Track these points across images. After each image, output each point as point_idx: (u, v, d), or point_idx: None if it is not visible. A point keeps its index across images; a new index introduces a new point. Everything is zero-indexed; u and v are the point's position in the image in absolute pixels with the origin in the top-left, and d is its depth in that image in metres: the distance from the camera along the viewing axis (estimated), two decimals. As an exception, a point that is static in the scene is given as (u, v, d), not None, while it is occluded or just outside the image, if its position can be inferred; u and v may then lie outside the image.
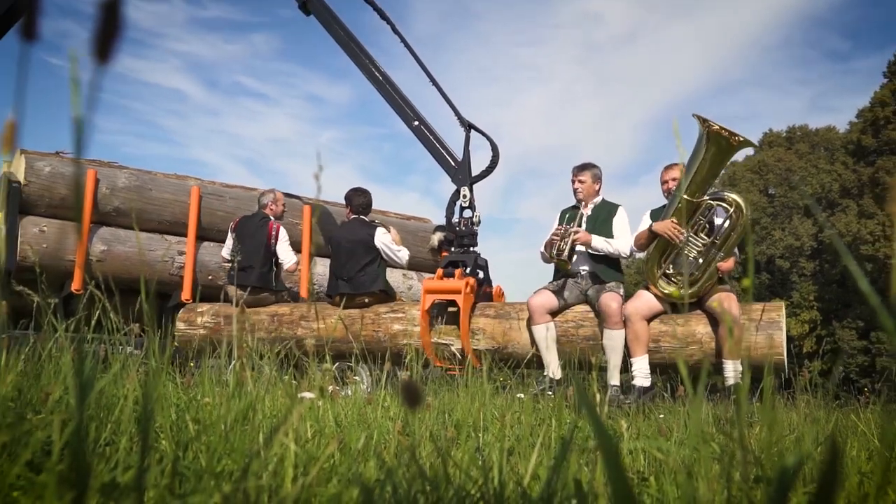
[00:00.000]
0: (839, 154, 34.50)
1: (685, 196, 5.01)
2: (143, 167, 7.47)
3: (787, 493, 0.63)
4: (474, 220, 6.49)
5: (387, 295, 6.29)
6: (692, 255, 5.09)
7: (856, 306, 30.95)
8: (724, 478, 1.35)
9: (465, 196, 6.52)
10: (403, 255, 6.44)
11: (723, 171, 4.66)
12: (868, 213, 30.60)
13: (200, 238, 7.28)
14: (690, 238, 5.06)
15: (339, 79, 78.87)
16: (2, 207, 6.38)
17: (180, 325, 6.72)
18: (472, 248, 6.40)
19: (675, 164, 5.79)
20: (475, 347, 5.74)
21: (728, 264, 5.14)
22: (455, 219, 6.55)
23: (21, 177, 6.55)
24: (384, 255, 6.33)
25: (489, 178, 6.68)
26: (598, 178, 5.82)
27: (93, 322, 2.49)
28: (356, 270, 6.24)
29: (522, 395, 3.26)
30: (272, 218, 6.78)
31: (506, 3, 76.99)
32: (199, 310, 6.77)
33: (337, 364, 6.49)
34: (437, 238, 6.88)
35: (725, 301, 5.00)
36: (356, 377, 4.61)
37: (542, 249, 5.65)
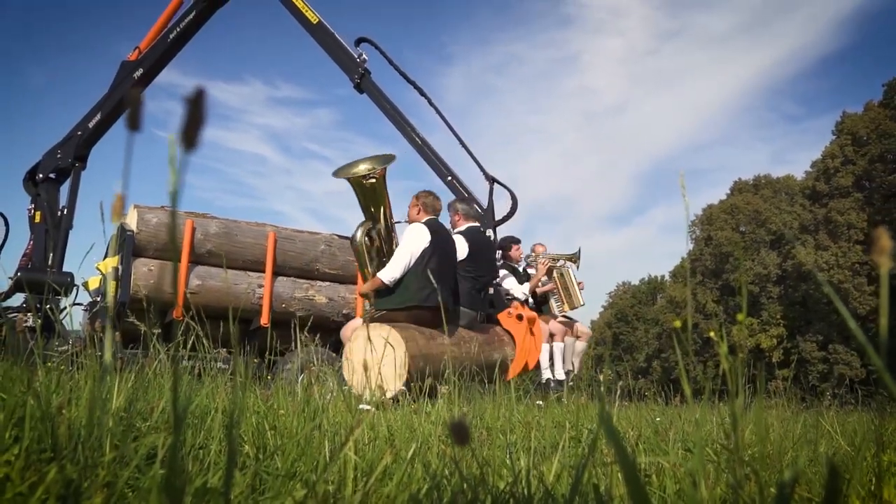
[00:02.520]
0: (797, 197, 34.09)
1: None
2: (230, 217, 7.54)
3: (787, 503, 0.58)
4: (497, 257, 6.46)
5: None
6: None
7: (815, 323, 30.33)
8: (720, 479, 1.29)
9: (489, 237, 6.50)
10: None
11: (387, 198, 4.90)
12: (823, 246, 30.16)
13: (276, 274, 7.30)
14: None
15: (386, 143, 79.87)
16: (118, 251, 6.48)
17: None
18: (495, 281, 6.37)
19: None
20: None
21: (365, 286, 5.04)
22: (482, 256, 6.53)
23: (134, 226, 6.65)
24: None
25: (509, 221, 6.66)
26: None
27: (189, 344, 2.49)
28: None
29: (541, 402, 3.19)
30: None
31: (519, 80, 77.50)
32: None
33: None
34: None
35: None
36: (403, 388, 4.54)
37: None
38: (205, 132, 0.46)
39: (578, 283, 7.09)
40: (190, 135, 0.46)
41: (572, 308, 7.01)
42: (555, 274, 6.99)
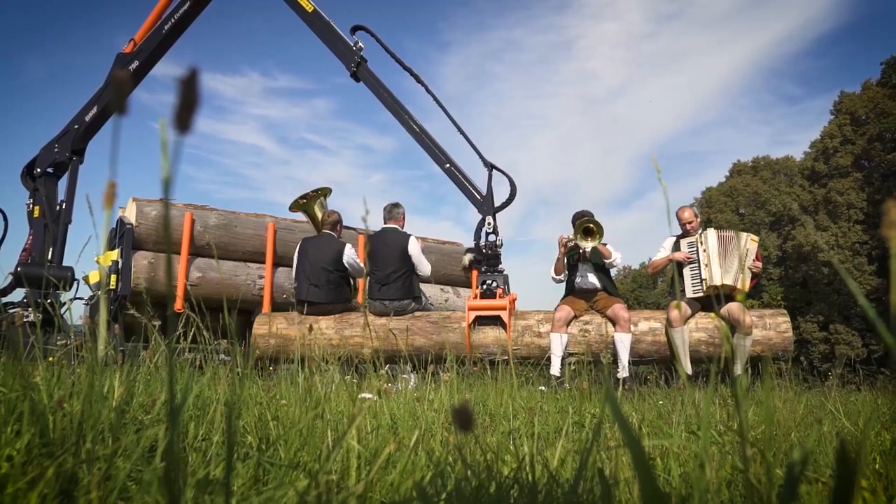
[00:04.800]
0: (797, 178, 34.02)
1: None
2: (229, 208, 7.52)
3: (797, 485, 0.57)
4: (497, 243, 6.42)
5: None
6: None
7: (816, 303, 30.36)
8: (725, 461, 1.28)
9: (489, 223, 6.46)
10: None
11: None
12: (823, 227, 30.13)
13: (276, 264, 7.30)
14: None
15: (385, 132, 79.78)
16: (118, 245, 6.46)
17: None
18: (497, 268, 6.34)
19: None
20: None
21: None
22: (482, 242, 6.49)
23: (133, 220, 6.63)
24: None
25: (509, 208, 6.62)
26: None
27: (189, 336, 2.48)
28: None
29: (543, 388, 3.18)
30: None
31: (518, 66, 77.20)
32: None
33: (388, 366, 6.46)
34: (467, 259, 6.80)
35: None
36: (405, 375, 4.55)
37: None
38: (198, 116, 0.45)
39: (754, 263, 5.76)
40: (183, 117, 0.44)
41: (711, 291, 5.67)
42: (698, 243, 5.86)
